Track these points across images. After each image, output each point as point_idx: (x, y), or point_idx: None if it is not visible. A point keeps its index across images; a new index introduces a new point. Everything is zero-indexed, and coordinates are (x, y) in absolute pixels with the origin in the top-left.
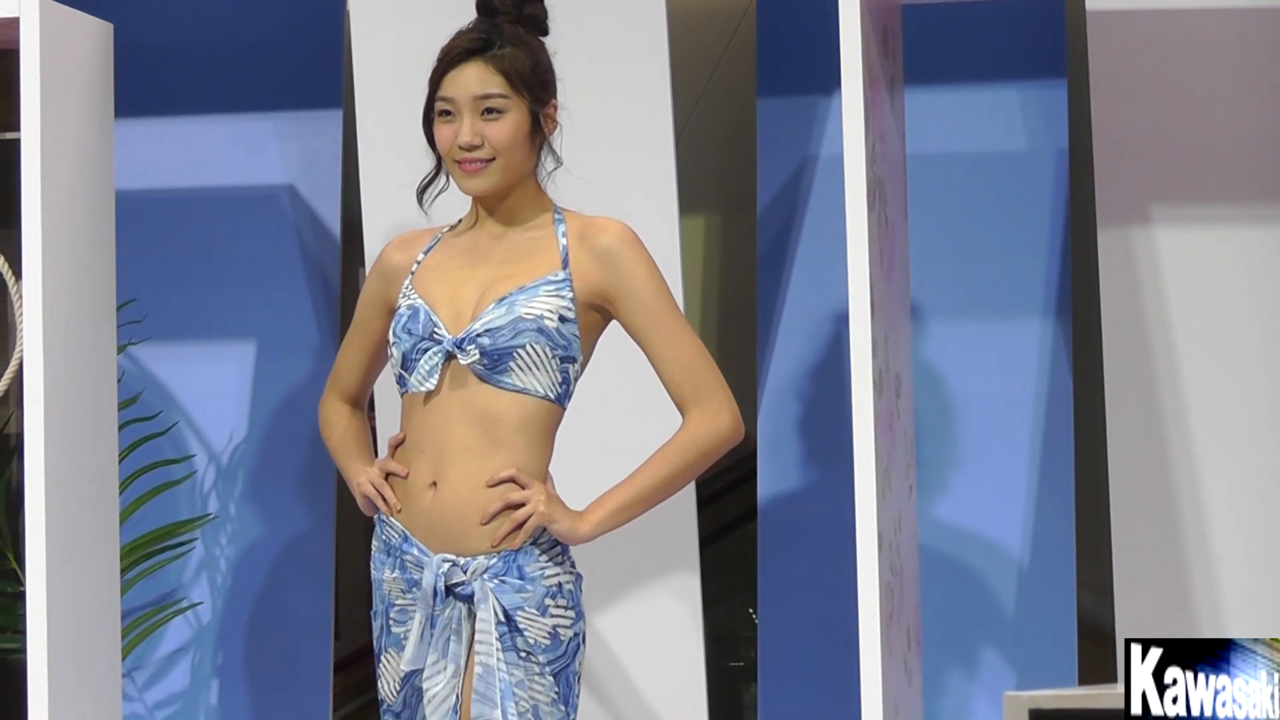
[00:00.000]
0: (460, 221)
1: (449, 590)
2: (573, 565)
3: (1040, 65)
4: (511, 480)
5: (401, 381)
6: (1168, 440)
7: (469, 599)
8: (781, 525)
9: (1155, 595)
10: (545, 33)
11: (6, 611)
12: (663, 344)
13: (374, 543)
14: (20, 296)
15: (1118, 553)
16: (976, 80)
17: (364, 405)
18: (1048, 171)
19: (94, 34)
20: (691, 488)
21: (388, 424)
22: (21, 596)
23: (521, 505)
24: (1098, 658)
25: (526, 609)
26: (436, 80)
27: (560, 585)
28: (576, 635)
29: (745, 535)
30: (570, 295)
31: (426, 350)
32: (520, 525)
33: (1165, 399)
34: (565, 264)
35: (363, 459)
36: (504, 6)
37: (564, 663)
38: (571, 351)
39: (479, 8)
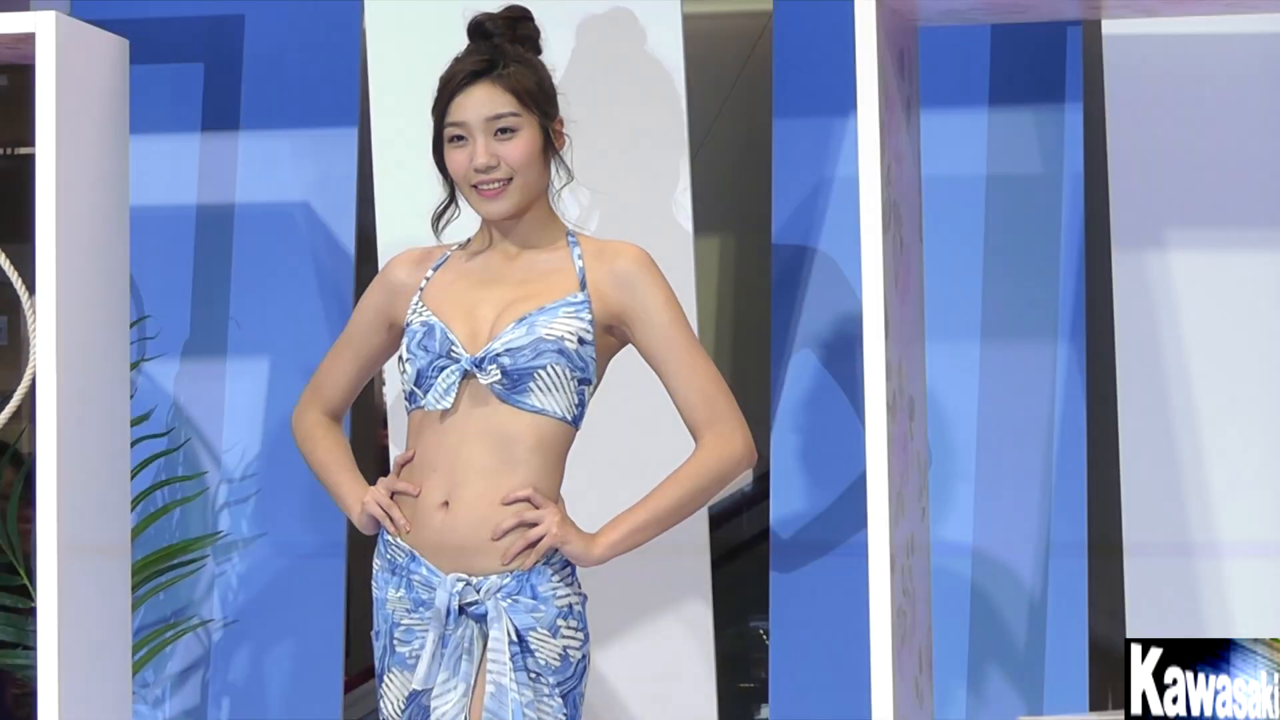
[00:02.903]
0: (470, 241)
1: (461, 609)
2: (580, 586)
3: (1056, 89)
4: (527, 500)
5: (413, 399)
6: (1181, 464)
7: (482, 618)
8: (794, 547)
9: (1168, 620)
10: (539, 51)
11: (17, 628)
12: (678, 368)
13: (376, 561)
14: (33, 311)
15: (1130, 577)
16: (992, 103)
17: (343, 419)
18: (1063, 194)
19: (110, 49)
20: (704, 508)
21: (400, 444)
22: (32, 613)
23: (535, 525)
24: (1109, 682)
25: (539, 630)
26: (444, 107)
27: (571, 606)
28: (584, 657)
29: (757, 556)
30: (589, 317)
31: (444, 368)
32: (533, 545)
33: (1179, 423)
34: (583, 286)
35: (355, 476)
36: (496, 28)
37: (572, 684)
38: (589, 374)
39: (471, 32)
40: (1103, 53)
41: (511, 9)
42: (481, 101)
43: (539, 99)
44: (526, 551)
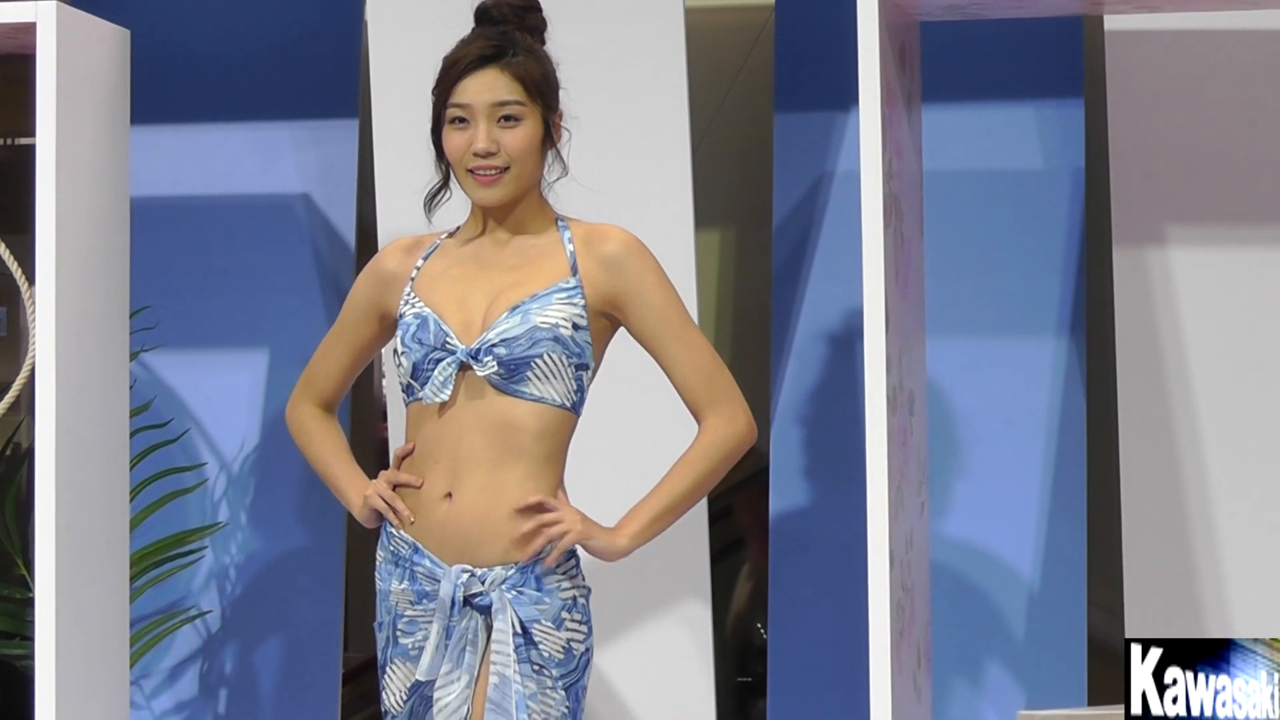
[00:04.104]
0: (459, 228)
1: (466, 601)
2: (584, 579)
3: (1057, 84)
4: (540, 506)
5: (410, 391)
6: (1180, 459)
7: (486, 610)
8: (793, 541)
9: (1166, 615)
10: (544, 43)
11: (15, 618)
12: (675, 349)
13: (379, 554)
14: (33, 302)
15: (1129, 572)
16: (994, 98)
17: (337, 411)
18: (1063, 190)
19: (111, 40)
20: (703, 501)
21: (400, 437)
22: (30, 603)
23: (555, 524)
24: (1108, 677)
25: (543, 622)
26: (448, 87)
27: (575, 599)
28: (587, 650)
29: (756, 550)
30: (582, 302)
31: (440, 361)
32: (555, 541)
33: (1178, 418)
34: (574, 271)
35: (353, 469)
36: (502, 16)
37: (575, 677)
38: (585, 359)
39: (479, 18)
40: (1104, 48)
41: None
42: (488, 86)
43: (544, 90)
44: (547, 548)
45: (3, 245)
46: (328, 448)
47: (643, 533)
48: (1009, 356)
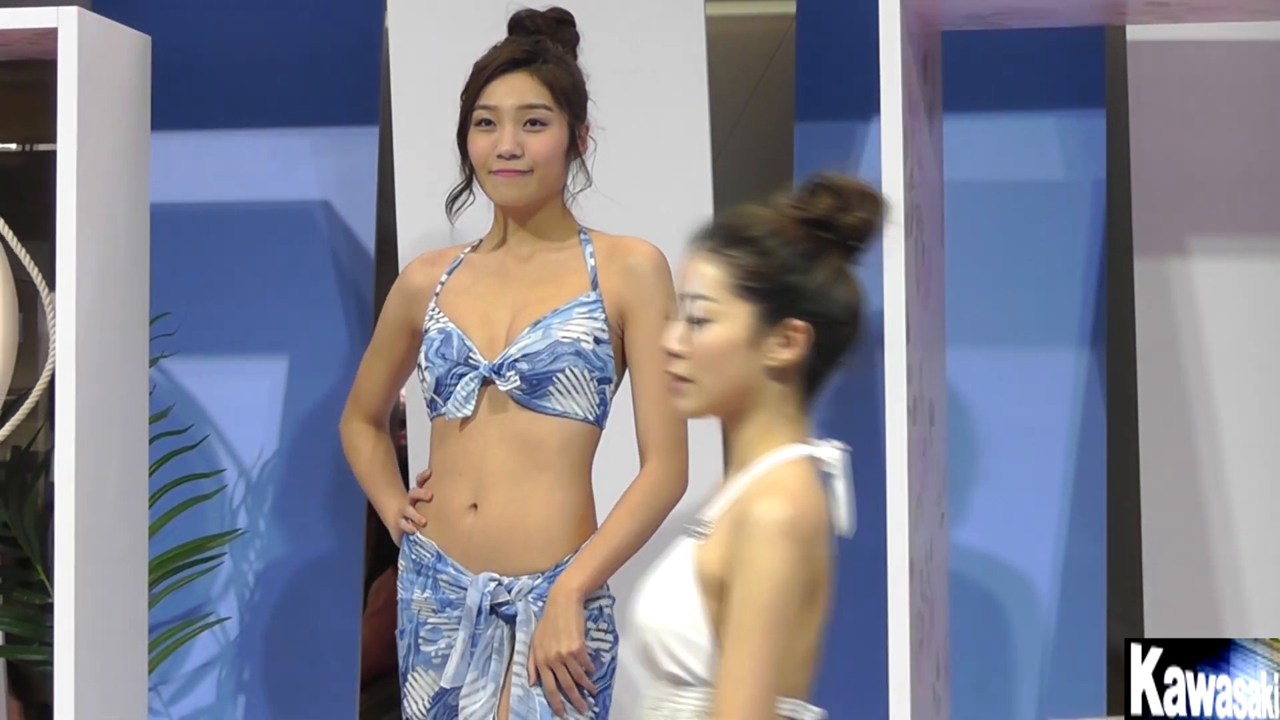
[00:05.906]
0: (482, 241)
1: (492, 609)
2: (608, 588)
3: (1079, 94)
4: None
5: (434, 406)
6: (1201, 471)
7: (512, 619)
8: None
9: (1186, 627)
10: (576, 57)
11: (34, 623)
12: (651, 380)
13: (401, 562)
14: (53, 308)
15: (1149, 583)
16: (1015, 108)
17: (386, 424)
18: (1084, 201)
19: (132, 46)
20: None
21: (419, 443)
22: (50, 608)
23: (558, 680)
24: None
25: None
26: (477, 90)
27: (601, 609)
28: (614, 658)
29: None
30: (603, 316)
31: (463, 376)
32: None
33: (1199, 430)
34: (595, 285)
35: (394, 488)
36: (536, 26)
37: (602, 684)
38: (607, 372)
39: (513, 27)
40: (1126, 58)
41: (556, 10)
42: (516, 89)
43: (572, 98)
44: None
45: (23, 251)
46: (373, 466)
47: (591, 583)
48: (1030, 367)
